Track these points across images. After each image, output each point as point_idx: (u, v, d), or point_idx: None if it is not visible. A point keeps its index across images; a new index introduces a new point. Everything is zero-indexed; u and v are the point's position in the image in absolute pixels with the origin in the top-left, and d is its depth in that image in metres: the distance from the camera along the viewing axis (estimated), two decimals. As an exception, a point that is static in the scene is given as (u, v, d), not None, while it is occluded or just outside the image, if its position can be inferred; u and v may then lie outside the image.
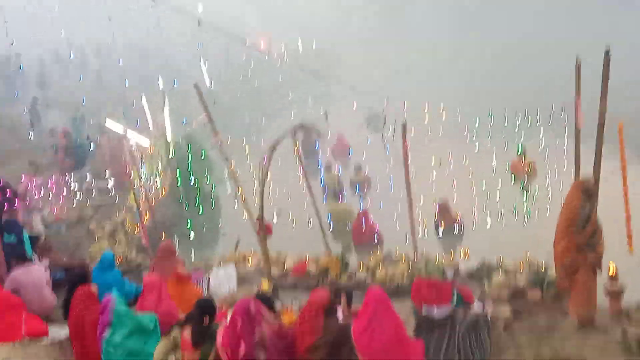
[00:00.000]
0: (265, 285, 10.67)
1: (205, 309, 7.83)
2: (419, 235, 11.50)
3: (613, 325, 8.26)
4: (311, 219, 12.32)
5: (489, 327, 8.07)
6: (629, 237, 8.74)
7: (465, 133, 11.36)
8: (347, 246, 13.86)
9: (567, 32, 35.19)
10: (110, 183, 16.62)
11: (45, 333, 9.48)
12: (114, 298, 8.13)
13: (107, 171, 16.34)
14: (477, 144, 11.87)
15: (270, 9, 51.25)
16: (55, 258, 12.37)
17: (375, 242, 13.41)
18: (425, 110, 11.03)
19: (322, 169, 16.67)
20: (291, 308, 9.32)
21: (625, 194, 8.80)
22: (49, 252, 12.45)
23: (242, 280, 11.32)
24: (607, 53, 8.14)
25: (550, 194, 12.07)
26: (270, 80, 36.32)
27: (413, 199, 11.25)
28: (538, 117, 10.51)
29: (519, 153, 15.94)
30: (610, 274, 8.60)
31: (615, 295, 8.58)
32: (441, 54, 37.49)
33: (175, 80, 23.61)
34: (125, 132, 16.56)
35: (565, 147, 12.16)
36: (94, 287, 8.92)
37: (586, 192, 8.29)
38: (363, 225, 13.60)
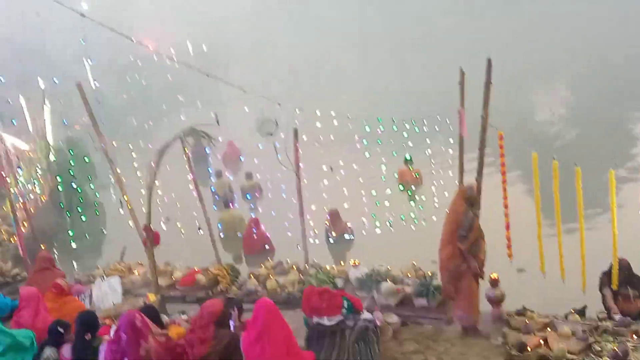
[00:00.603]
0: (151, 297, 10.31)
1: (87, 323, 7.51)
2: (310, 242, 11.55)
3: (495, 331, 8.60)
4: (201, 227, 12.04)
5: (378, 335, 8.16)
6: (508, 245, 9.14)
7: (355, 140, 11.47)
8: (238, 255, 13.69)
9: (452, 42, 36.69)
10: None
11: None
12: (-15, 313, 7.61)
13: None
14: (366, 151, 12.02)
15: (160, 7, 50.04)
16: None
17: (266, 250, 13.31)
18: (317, 114, 11.05)
19: (212, 175, 16.40)
20: (179, 320, 9.04)
21: (505, 202, 9.20)
22: None
23: (127, 292, 10.88)
24: (489, 61, 8.50)
25: (436, 202, 12.46)
26: (158, 81, 35.45)
27: (304, 206, 11.28)
28: (425, 126, 10.79)
29: (406, 161, 16.41)
30: (491, 280, 8.95)
31: (497, 301, 8.95)
32: (332, 60, 38.04)
33: (56, 78, 22.49)
34: (0, 133, 15.56)
35: (450, 155, 12.58)
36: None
37: (469, 200, 8.59)
38: (254, 233, 13.46)
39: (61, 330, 7.58)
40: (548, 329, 8.26)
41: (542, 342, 7.92)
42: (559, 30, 38.56)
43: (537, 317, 8.65)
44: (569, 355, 7.65)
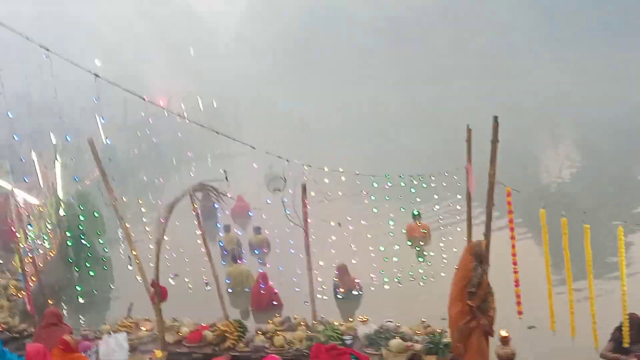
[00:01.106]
0: (158, 354, 10.23)
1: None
2: (318, 298, 11.48)
3: (506, 389, 8.46)
4: (208, 283, 12.02)
5: (387, 393, 8.05)
6: (518, 302, 9.06)
7: (363, 195, 11.54)
8: (245, 310, 13.60)
9: (460, 100, 37.22)
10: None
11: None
12: (-9, 371, 7.53)
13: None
14: (374, 207, 12.06)
15: (172, 64, 51.12)
16: None
17: (274, 306, 13.22)
18: (325, 170, 11.15)
19: (220, 230, 16.42)
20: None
21: (514, 258, 9.16)
22: None
23: (134, 348, 10.79)
24: (495, 119, 8.59)
25: (445, 258, 12.43)
26: (169, 137, 35.93)
27: (312, 261, 11.27)
28: (432, 182, 10.85)
29: (414, 216, 16.43)
30: (502, 337, 8.84)
31: (507, 359, 8.82)
32: (339, 117, 38.54)
33: (68, 134, 22.82)
34: (12, 189, 15.72)
35: (458, 211, 12.61)
36: (-31, 360, 8.24)
37: (477, 256, 8.54)
38: (262, 288, 13.40)
39: None
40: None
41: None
42: (563, 86, 39.15)
43: (548, 375, 8.53)
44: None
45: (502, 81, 42.96)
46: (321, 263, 11.99)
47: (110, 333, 11.08)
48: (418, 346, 9.66)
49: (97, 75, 9.63)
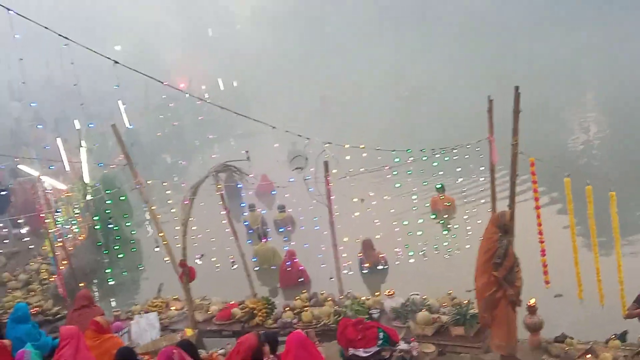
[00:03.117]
0: (189, 332, 10.41)
1: (126, 359, 7.59)
2: (344, 274, 11.55)
3: (533, 359, 8.47)
4: (235, 261, 12.17)
5: (415, 365, 8.12)
6: (545, 271, 9.03)
7: (386, 170, 11.52)
8: (273, 288, 13.74)
9: (481, 70, 36.73)
10: (25, 229, 15.89)
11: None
12: (28, 352, 7.75)
13: (21, 217, 15.62)
14: (397, 182, 12.05)
15: (192, 45, 51.12)
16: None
17: (302, 283, 13.34)
18: (346, 147, 11.15)
19: (245, 209, 16.55)
20: (216, 354, 9.11)
21: (540, 228, 9.12)
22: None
23: (165, 327, 11.01)
24: (516, 89, 8.51)
25: (469, 230, 12.38)
26: (190, 119, 36.10)
27: (337, 237, 11.33)
28: (455, 154, 10.78)
29: (437, 190, 16.39)
30: (529, 307, 8.83)
31: (535, 328, 8.82)
32: (361, 92, 38.27)
33: (93, 120, 23.06)
34: (40, 175, 15.99)
35: (481, 183, 12.52)
36: (7, 342, 8.45)
37: (502, 227, 8.53)
38: (289, 266, 13.50)
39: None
40: (588, 355, 8.11)
41: (583, 369, 7.79)
42: (589, 47, 38.43)
43: (577, 343, 8.53)
44: (611, 382, 7.50)
45: (524, 45, 42.24)
46: (345, 239, 12.04)
47: (141, 313, 11.31)
48: (445, 318, 9.71)
49: (116, 62, 9.72)
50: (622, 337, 8.68)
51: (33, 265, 15.00)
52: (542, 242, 9.08)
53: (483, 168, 10.15)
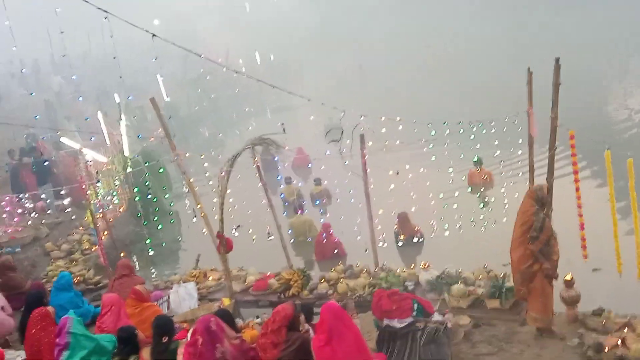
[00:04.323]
0: (226, 302, 10.60)
1: (163, 328, 7.75)
2: (379, 246, 11.59)
3: (570, 332, 8.42)
4: (271, 233, 12.30)
5: (449, 337, 8.13)
6: (583, 245, 8.93)
7: (422, 143, 11.45)
8: (309, 260, 13.86)
9: (520, 41, 35.99)
10: (67, 200, 16.28)
11: (1, 358, 9.21)
12: (71, 319, 7.96)
13: (63, 188, 15.99)
14: (433, 155, 11.99)
15: (229, 19, 51.19)
16: (15, 278, 12.10)
17: (337, 255, 13.42)
18: (382, 119, 11.10)
19: (282, 182, 16.65)
20: (253, 324, 9.26)
21: (578, 201, 8.99)
22: (12, 271, 12.19)
23: (202, 297, 11.22)
24: (557, 61, 8.35)
25: (506, 203, 12.27)
26: (227, 93, 36.28)
27: (372, 210, 11.34)
28: (492, 127, 10.66)
29: (475, 163, 16.25)
30: (566, 281, 8.76)
31: (571, 302, 8.75)
32: (397, 65, 37.92)
33: (131, 94, 23.36)
34: (81, 148, 16.31)
35: (519, 156, 12.37)
36: (51, 309, 8.73)
37: (539, 200, 8.41)
38: (325, 238, 13.58)
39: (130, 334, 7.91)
40: (626, 329, 8.03)
41: (620, 342, 7.71)
42: (628, 26, 37.33)
43: (614, 317, 8.43)
44: (648, 356, 7.42)
45: (564, 16, 41.20)
46: (380, 212, 12.04)
47: (180, 283, 11.54)
48: (480, 290, 9.69)
49: (154, 35, 9.82)
50: (661, 311, 8.56)
51: (75, 236, 15.39)
52: (580, 215, 8.96)
53: (521, 141, 10.02)
